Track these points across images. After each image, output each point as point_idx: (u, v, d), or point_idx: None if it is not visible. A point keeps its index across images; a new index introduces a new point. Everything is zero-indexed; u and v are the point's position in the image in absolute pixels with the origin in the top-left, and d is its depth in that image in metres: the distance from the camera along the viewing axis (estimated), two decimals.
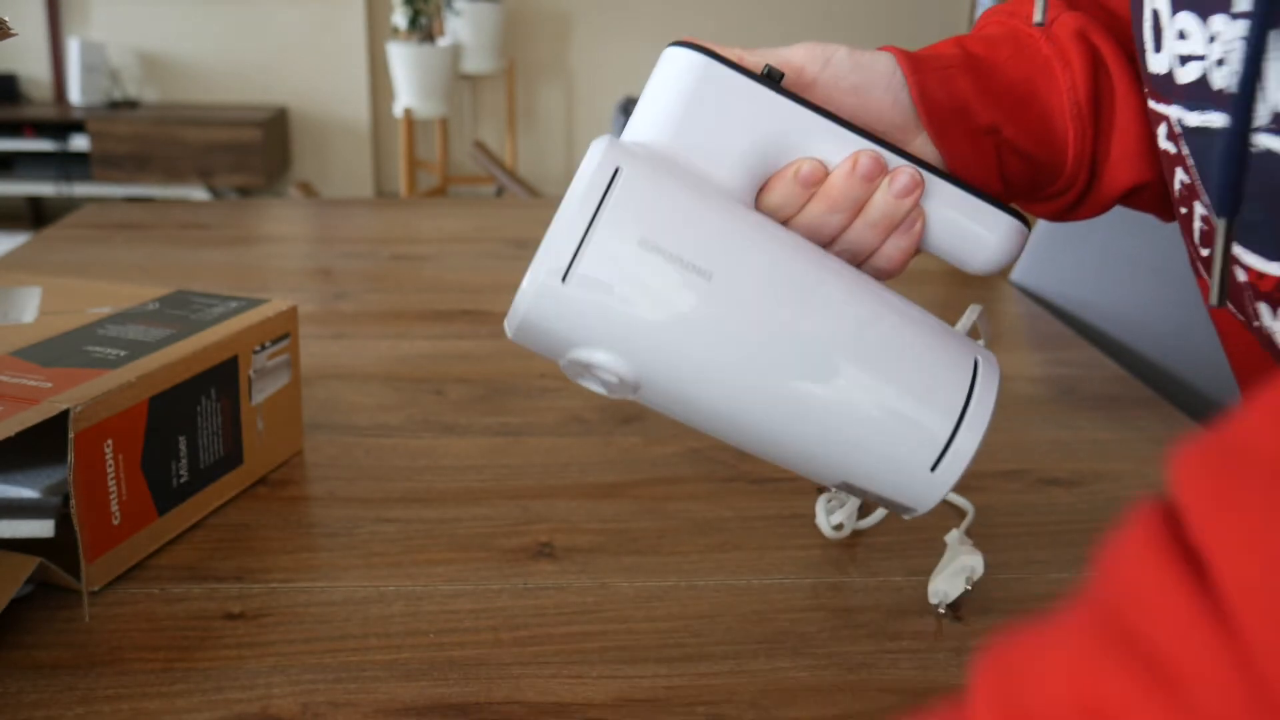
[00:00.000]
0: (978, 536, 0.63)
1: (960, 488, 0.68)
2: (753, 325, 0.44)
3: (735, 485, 0.67)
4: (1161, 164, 0.51)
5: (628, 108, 2.47)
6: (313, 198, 3.32)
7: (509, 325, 0.45)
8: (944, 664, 0.51)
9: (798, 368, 0.44)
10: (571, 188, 0.43)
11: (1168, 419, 0.80)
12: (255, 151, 3.84)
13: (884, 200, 0.47)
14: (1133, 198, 0.56)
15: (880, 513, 0.62)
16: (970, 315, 0.51)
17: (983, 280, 1.17)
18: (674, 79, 0.46)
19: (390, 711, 0.47)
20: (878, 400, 0.45)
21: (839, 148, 0.47)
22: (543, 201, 1.69)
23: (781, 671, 0.50)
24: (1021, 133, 0.52)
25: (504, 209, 1.50)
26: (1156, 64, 0.47)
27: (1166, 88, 0.47)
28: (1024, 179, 0.53)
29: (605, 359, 0.44)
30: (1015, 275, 1.20)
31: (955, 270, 1.21)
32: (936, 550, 0.61)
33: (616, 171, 0.43)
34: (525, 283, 0.43)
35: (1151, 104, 0.49)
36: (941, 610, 0.55)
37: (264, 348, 0.65)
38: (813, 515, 0.64)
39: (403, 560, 0.58)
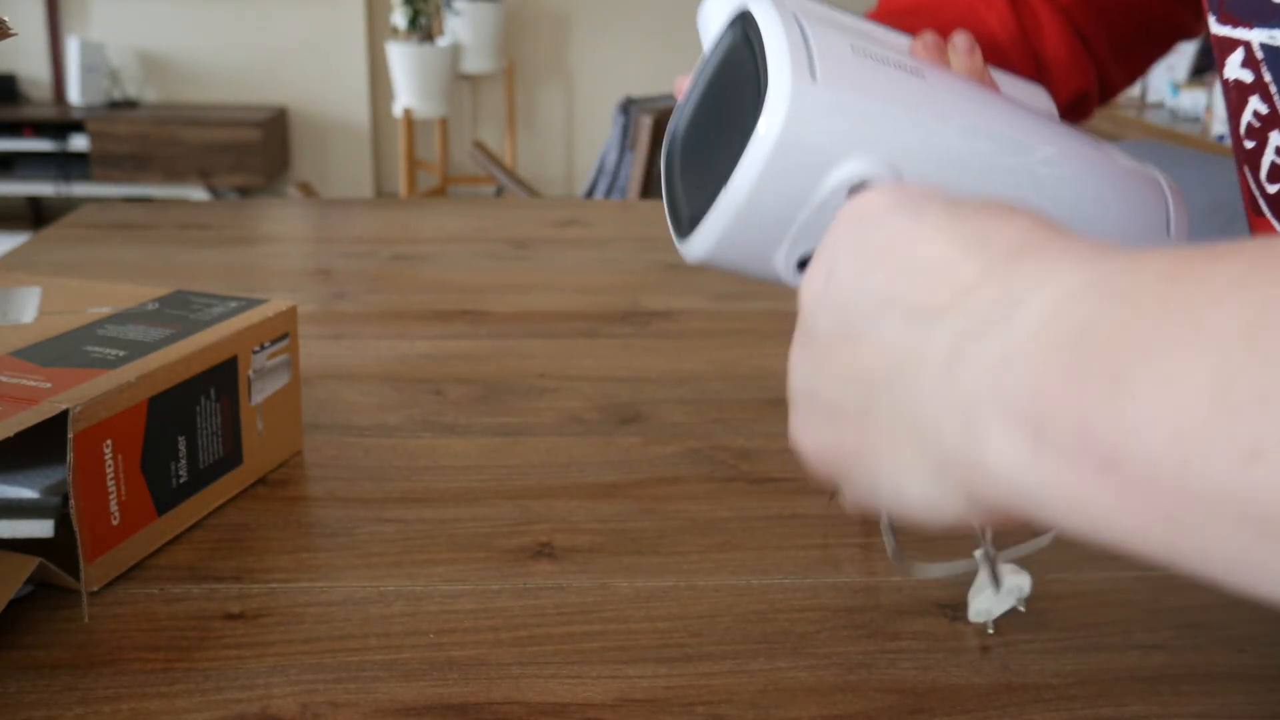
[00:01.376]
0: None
1: None
2: (979, 118, 0.44)
3: (735, 485, 0.67)
4: (1226, 96, 0.50)
5: (628, 108, 2.47)
6: (313, 198, 3.32)
7: (729, 210, 0.39)
8: (944, 664, 0.51)
9: (1030, 156, 0.44)
10: (764, 26, 0.40)
11: None
12: (255, 151, 3.84)
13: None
14: (1069, 112, 0.58)
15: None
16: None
17: None
18: None
19: (390, 711, 0.47)
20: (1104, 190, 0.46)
21: None
22: (543, 201, 1.69)
23: (781, 671, 0.50)
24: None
25: (504, 209, 1.50)
26: None
27: (1248, 9, 0.46)
28: None
29: (872, 167, 0.39)
30: None
31: None
32: (937, 550, 0.61)
33: (795, 14, 0.41)
34: (767, 113, 0.38)
35: (1223, 30, 0.48)
36: (990, 629, 0.53)
37: (264, 348, 0.65)
38: (813, 515, 0.64)
39: (403, 560, 0.58)
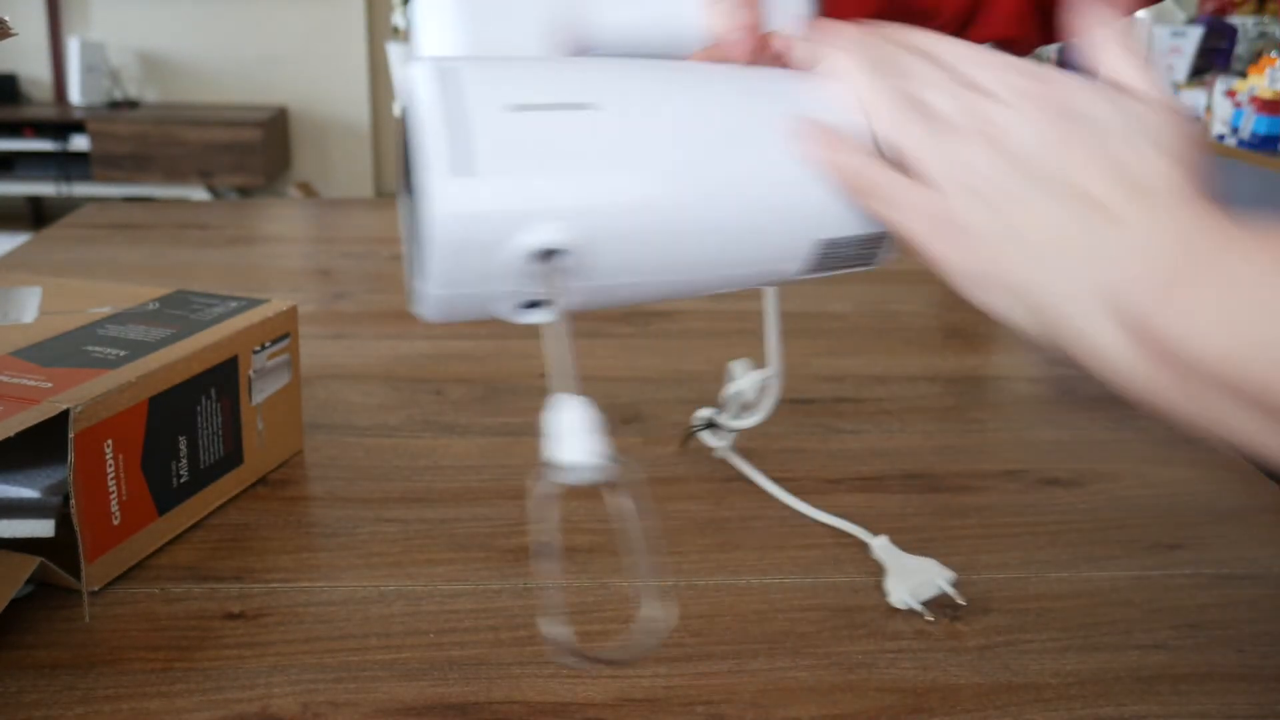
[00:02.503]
0: (978, 537, 0.63)
1: (960, 486, 0.68)
2: (665, 127, 0.42)
3: (735, 485, 0.67)
4: None
5: None
6: (313, 198, 3.32)
7: (431, 282, 0.41)
8: (944, 664, 0.51)
9: (726, 149, 0.43)
10: (419, 106, 0.40)
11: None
12: (255, 151, 3.84)
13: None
14: (1004, 47, 0.56)
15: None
16: None
17: None
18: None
19: (390, 711, 0.47)
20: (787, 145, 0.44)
21: None
22: None
23: (781, 671, 0.50)
24: None
25: None
26: None
27: None
28: (895, 19, 0.54)
29: (552, 234, 0.40)
30: None
31: None
32: (937, 550, 0.61)
33: (454, 70, 0.41)
34: (427, 210, 0.39)
35: None
36: (929, 616, 0.54)
37: (264, 348, 0.65)
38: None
39: (403, 560, 0.58)
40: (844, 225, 0.45)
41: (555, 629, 0.45)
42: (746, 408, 0.65)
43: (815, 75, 0.46)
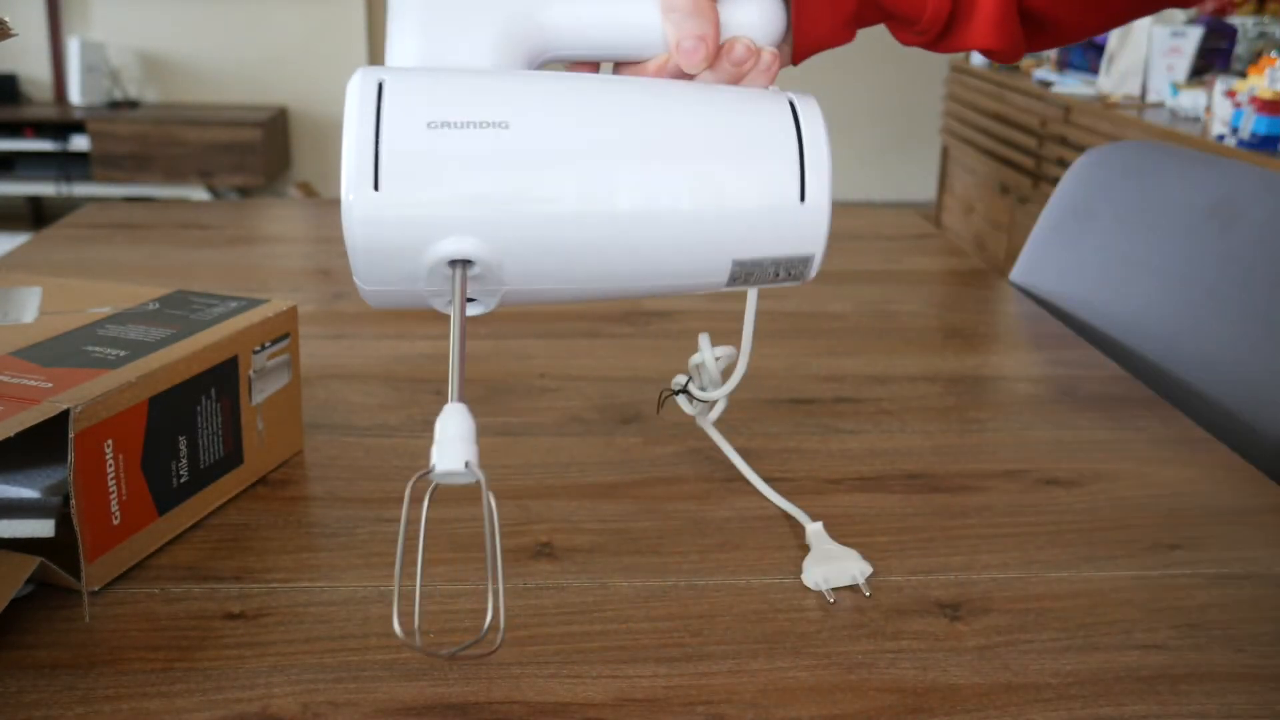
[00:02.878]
0: (978, 537, 0.63)
1: (960, 486, 0.68)
2: (571, 146, 0.44)
3: (735, 485, 0.67)
4: None
5: None
6: (313, 198, 3.32)
7: (357, 278, 0.44)
8: (944, 664, 0.51)
9: (634, 170, 0.44)
10: (345, 117, 0.43)
11: (1168, 419, 0.80)
12: (255, 151, 3.84)
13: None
14: (986, 55, 0.56)
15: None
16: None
17: (982, 279, 1.17)
18: (403, 7, 0.46)
19: (390, 711, 0.47)
20: (721, 161, 0.45)
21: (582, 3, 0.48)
22: None
23: (781, 671, 0.50)
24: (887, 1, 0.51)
25: None
26: None
27: None
28: (874, 23, 0.54)
29: (455, 247, 0.43)
30: (1015, 275, 1.21)
31: (955, 270, 1.21)
32: (937, 550, 0.61)
33: (381, 84, 0.43)
34: (347, 216, 0.42)
35: None
36: (832, 599, 0.56)
37: (264, 348, 0.65)
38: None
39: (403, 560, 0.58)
40: (759, 247, 0.46)
41: (405, 628, 0.46)
42: (713, 382, 0.65)
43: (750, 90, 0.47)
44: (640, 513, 0.64)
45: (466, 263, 0.43)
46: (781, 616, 0.54)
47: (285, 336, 0.67)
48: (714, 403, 0.66)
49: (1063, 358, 0.93)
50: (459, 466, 0.39)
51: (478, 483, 0.40)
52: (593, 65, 0.50)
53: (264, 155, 3.86)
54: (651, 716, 0.47)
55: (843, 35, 0.52)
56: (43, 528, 0.52)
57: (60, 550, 0.52)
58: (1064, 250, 1.17)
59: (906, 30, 0.54)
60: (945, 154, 3.92)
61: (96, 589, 0.54)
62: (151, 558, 0.58)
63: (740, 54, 0.48)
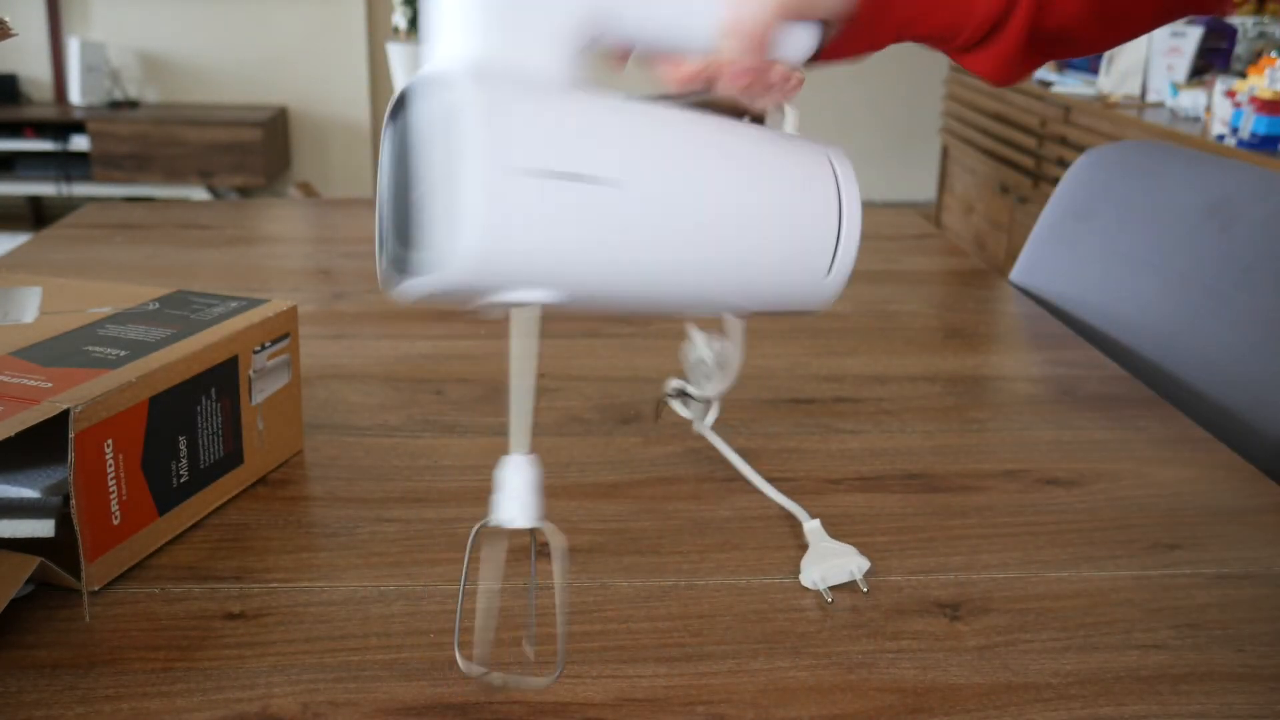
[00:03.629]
0: (978, 537, 0.63)
1: (960, 486, 0.68)
2: (668, 221, 0.44)
3: (735, 485, 0.67)
4: None
5: None
6: (313, 198, 3.32)
7: (408, 294, 0.41)
8: (944, 664, 0.51)
9: (709, 243, 0.46)
10: (424, 145, 0.39)
11: (1168, 419, 0.80)
12: (255, 151, 3.84)
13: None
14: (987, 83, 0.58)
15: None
16: (791, 116, 0.52)
17: (981, 279, 1.17)
18: None
19: (390, 711, 0.47)
20: (771, 246, 0.48)
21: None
22: None
23: (781, 671, 0.50)
24: (929, 27, 0.53)
25: None
26: None
27: None
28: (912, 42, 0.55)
29: (531, 294, 0.41)
30: (1015, 275, 1.21)
31: (955, 270, 1.21)
32: (937, 550, 0.61)
33: (463, 106, 0.38)
34: (428, 252, 0.39)
35: None
36: (829, 599, 0.56)
37: (264, 348, 0.65)
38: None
39: (403, 560, 0.58)
40: (780, 303, 0.51)
41: (474, 662, 0.46)
42: (710, 374, 0.65)
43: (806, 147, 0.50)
44: (640, 513, 0.64)
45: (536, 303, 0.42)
46: (781, 616, 0.54)
47: (285, 336, 0.67)
48: (710, 403, 0.66)
49: (1063, 358, 0.93)
50: (526, 524, 0.40)
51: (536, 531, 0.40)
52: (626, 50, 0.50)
53: (264, 155, 3.86)
54: (651, 716, 0.47)
55: (866, 55, 0.53)
56: (43, 528, 0.52)
57: (60, 550, 0.52)
58: (1064, 250, 1.17)
59: (934, 46, 0.55)
60: (945, 154, 3.92)
61: (96, 589, 0.54)
62: (151, 558, 0.58)
63: (775, 79, 0.50)
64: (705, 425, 0.67)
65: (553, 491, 0.66)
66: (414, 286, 0.40)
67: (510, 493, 0.41)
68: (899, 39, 0.54)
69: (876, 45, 0.53)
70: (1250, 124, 2.29)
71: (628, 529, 0.62)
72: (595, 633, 0.52)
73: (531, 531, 0.40)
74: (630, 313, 0.49)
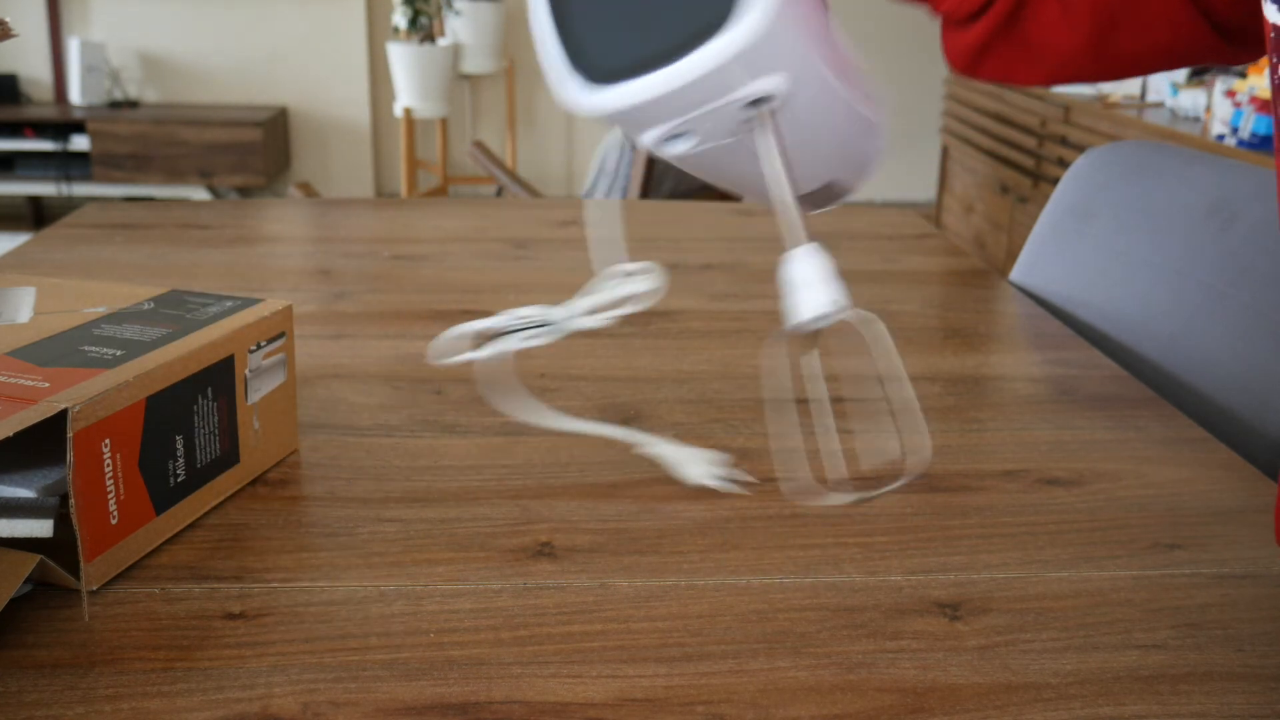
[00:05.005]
0: (978, 536, 0.63)
1: (960, 486, 0.68)
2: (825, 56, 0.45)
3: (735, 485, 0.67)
4: (1274, 93, 0.48)
5: None
6: (313, 198, 3.32)
7: (648, 86, 0.39)
8: (944, 664, 0.51)
9: None
10: None
11: (1168, 419, 0.80)
12: (255, 151, 3.84)
13: None
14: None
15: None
16: None
17: (981, 279, 1.17)
18: None
19: (390, 711, 0.47)
20: None
21: None
22: (543, 201, 1.69)
23: (781, 671, 0.50)
24: None
25: (504, 209, 1.50)
26: None
27: None
28: None
29: (775, 85, 0.41)
30: (1015, 275, 1.20)
31: (955, 270, 1.21)
32: (937, 550, 0.61)
33: None
34: (751, 13, 0.39)
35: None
36: (736, 488, 0.59)
37: (260, 346, 0.65)
38: (813, 515, 0.64)
39: (403, 560, 0.58)
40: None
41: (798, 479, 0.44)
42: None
43: None
44: (640, 513, 0.64)
45: (766, 100, 0.41)
46: (781, 616, 0.54)
47: (281, 335, 0.67)
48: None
49: (1062, 358, 0.93)
50: (828, 309, 0.38)
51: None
52: None
53: (264, 155, 3.86)
54: (651, 716, 0.47)
55: None
56: (41, 528, 0.52)
57: (59, 549, 0.52)
58: (1064, 250, 1.16)
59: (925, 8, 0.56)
60: (945, 154, 3.92)
61: (95, 588, 0.54)
62: (151, 557, 0.57)
63: None
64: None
65: (553, 491, 0.66)
66: (702, 59, 0.39)
67: (811, 283, 0.39)
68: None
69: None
70: (1250, 124, 2.29)
71: (628, 529, 0.62)
72: (595, 633, 0.52)
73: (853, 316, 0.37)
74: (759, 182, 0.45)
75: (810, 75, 0.44)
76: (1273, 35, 0.46)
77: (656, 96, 0.39)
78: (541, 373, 0.85)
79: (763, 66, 0.40)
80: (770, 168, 0.40)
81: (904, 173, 4.59)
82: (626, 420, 0.77)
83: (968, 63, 0.58)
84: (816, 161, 0.50)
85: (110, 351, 0.58)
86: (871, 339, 0.35)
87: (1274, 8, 0.45)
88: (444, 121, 4.04)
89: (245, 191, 4.02)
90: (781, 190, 0.40)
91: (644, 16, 0.40)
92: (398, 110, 3.85)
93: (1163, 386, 0.95)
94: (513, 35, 4.19)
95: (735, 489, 0.56)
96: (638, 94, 0.39)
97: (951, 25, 0.57)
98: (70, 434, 0.51)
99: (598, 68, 0.41)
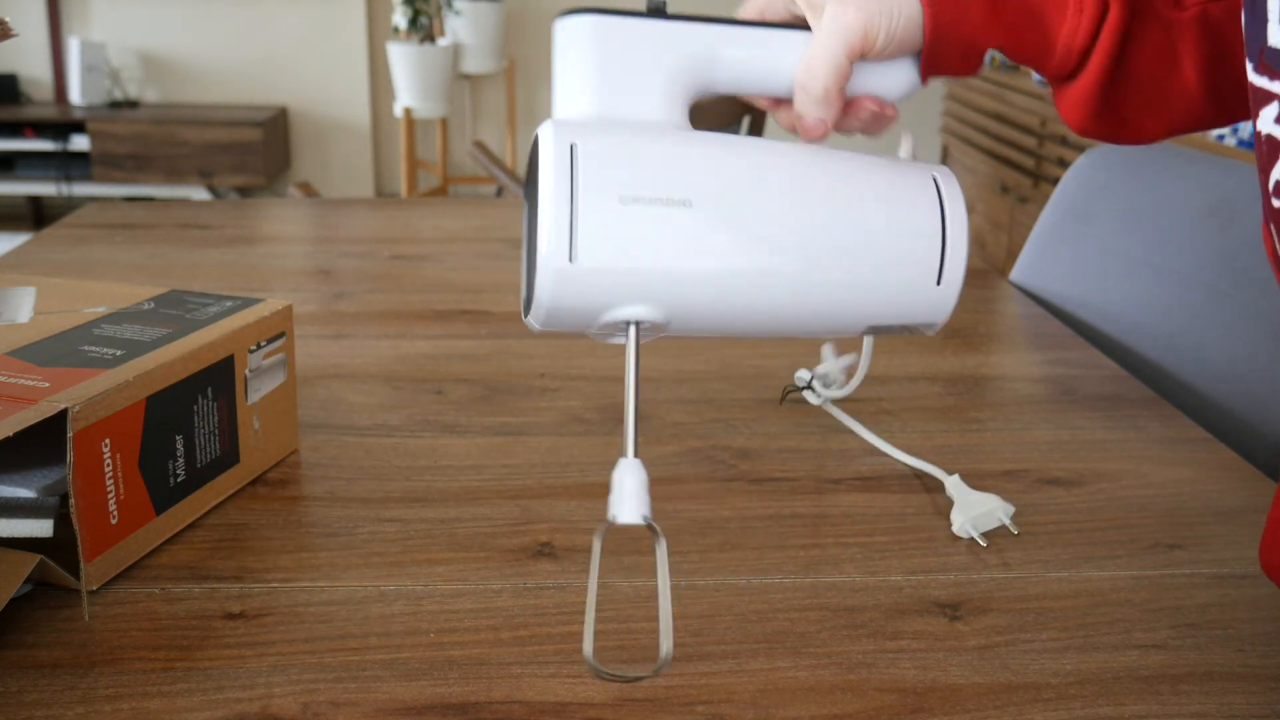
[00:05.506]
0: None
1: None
2: (745, 228, 0.47)
3: (735, 485, 0.67)
4: (1257, 150, 0.48)
5: None
6: (313, 198, 3.32)
7: (534, 319, 0.48)
8: (944, 664, 0.51)
9: (797, 247, 0.48)
10: (541, 180, 0.45)
11: (1168, 419, 0.80)
12: (255, 151, 3.84)
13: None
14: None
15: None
16: (906, 144, 0.55)
17: (981, 279, 1.17)
18: (574, 47, 0.49)
19: (390, 711, 0.47)
20: (872, 247, 0.49)
21: (747, 48, 0.51)
22: None
23: (781, 671, 0.50)
24: (1017, 49, 0.53)
25: (504, 209, 1.50)
26: (1277, 36, 0.44)
27: None
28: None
29: (633, 312, 0.46)
30: (1015, 275, 1.20)
31: None
32: (937, 550, 0.61)
33: (573, 148, 0.45)
34: (540, 277, 0.45)
35: (1260, 81, 0.46)
36: (984, 543, 0.61)
37: (259, 346, 0.65)
38: (813, 515, 0.64)
39: (403, 560, 0.58)
40: (893, 317, 0.51)
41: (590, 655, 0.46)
42: (830, 385, 0.79)
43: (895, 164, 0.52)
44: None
45: (639, 322, 0.47)
46: (781, 616, 0.54)
47: (281, 335, 0.67)
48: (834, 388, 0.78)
49: (1063, 358, 0.93)
50: (638, 520, 0.44)
51: (648, 528, 0.44)
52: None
53: (264, 155, 3.86)
54: (651, 716, 0.47)
55: (975, 69, 0.55)
56: (41, 528, 0.52)
57: (59, 549, 0.52)
58: (1064, 250, 1.16)
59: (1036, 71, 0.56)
60: (945, 154, 3.92)
61: (95, 588, 0.54)
62: (151, 557, 0.57)
63: (866, 116, 0.53)
64: (832, 406, 0.78)
65: (553, 491, 0.66)
66: (535, 311, 0.47)
67: (627, 492, 0.45)
68: (994, 47, 0.53)
69: (972, 63, 0.53)
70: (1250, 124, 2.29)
71: (628, 529, 0.62)
72: (595, 633, 0.52)
73: (650, 527, 0.43)
74: (741, 332, 0.51)
75: (685, 286, 0.47)
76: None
77: (540, 327, 0.48)
78: (541, 373, 0.85)
79: (595, 306, 0.47)
80: (629, 376, 0.46)
81: None
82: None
83: (1085, 120, 0.56)
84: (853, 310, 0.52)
85: (110, 351, 0.58)
86: (660, 549, 0.41)
87: None
88: (444, 121, 4.03)
89: (245, 191, 4.02)
90: (631, 398, 0.46)
91: (530, 265, 0.47)
92: (398, 110, 3.85)
93: (1163, 386, 0.95)
94: (513, 35, 4.19)
95: (984, 544, 0.61)
96: (534, 321, 0.48)
97: (1060, 83, 0.55)
98: (70, 434, 0.50)
99: (523, 299, 0.50)
